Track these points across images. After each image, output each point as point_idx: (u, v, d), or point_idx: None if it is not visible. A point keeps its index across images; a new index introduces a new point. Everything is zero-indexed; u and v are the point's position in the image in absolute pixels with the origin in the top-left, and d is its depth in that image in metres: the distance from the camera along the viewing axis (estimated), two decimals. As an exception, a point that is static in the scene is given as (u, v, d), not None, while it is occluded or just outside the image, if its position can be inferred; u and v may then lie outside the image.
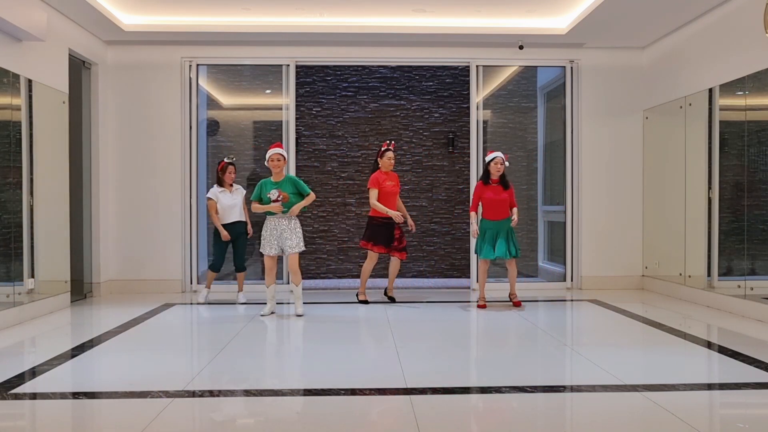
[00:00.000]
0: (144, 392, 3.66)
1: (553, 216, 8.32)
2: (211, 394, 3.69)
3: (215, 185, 6.90)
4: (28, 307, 5.98)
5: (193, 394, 3.67)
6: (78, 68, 7.31)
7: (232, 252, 6.94)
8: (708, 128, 6.60)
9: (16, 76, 5.84)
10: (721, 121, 6.47)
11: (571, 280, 7.97)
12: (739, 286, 6.13)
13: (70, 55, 6.88)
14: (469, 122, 8.09)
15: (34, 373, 4.14)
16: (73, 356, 4.61)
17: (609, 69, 7.98)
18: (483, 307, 6.53)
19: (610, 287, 7.78)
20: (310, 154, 8.78)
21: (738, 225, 6.22)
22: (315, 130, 8.77)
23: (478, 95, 8.00)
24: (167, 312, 6.44)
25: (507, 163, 6.58)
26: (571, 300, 7.14)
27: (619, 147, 7.96)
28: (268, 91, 8.22)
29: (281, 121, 7.99)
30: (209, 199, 6.83)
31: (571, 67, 7.99)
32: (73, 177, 7.02)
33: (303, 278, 8.46)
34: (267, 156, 6.12)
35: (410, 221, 6.96)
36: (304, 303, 6.55)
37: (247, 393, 3.70)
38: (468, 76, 8.09)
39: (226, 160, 6.88)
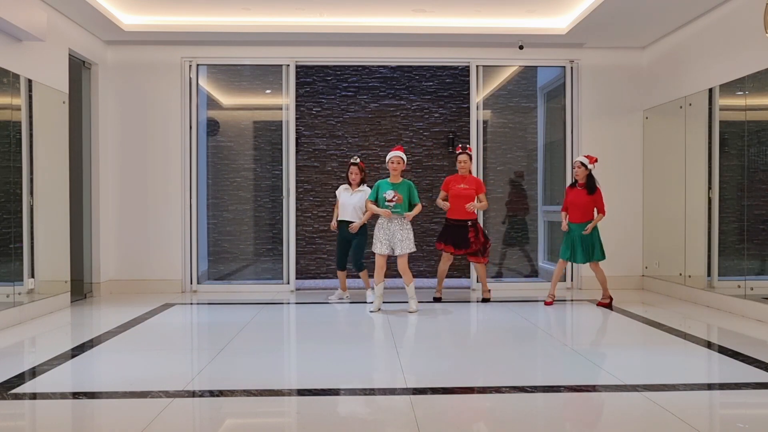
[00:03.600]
0: (144, 392, 3.66)
1: (553, 216, 8.31)
2: (211, 394, 3.69)
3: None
4: (28, 307, 5.98)
5: (193, 394, 3.67)
6: (78, 68, 7.31)
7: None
8: (708, 128, 6.60)
9: (16, 76, 5.84)
10: (721, 121, 6.47)
11: (571, 280, 7.97)
12: (739, 286, 6.13)
13: (70, 55, 6.88)
14: (469, 122, 8.09)
15: (34, 373, 4.14)
16: (73, 356, 4.61)
17: (609, 69, 7.98)
18: (549, 304, 6.69)
19: (610, 287, 7.76)
20: (310, 154, 8.78)
21: (738, 225, 6.22)
22: (315, 130, 8.77)
23: (478, 95, 8.00)
24: (167, 312, 6.44)
25: (591, 167, 6.58)
26: (571, 300, 7.14)
27: (619, 147, 7.95)
28: (268, 91, 8.21)
29: (281, 121, 7.98)
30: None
31: (571, 67, 7.99)
32: (73, 177, 7.02)
33: (303, 278, 8.54)
34: (387, 158, 6.43)
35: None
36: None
37: (247, 393, 3.69)
38: (468, 76, 8.09)
39: (351, 160, 7.07)
